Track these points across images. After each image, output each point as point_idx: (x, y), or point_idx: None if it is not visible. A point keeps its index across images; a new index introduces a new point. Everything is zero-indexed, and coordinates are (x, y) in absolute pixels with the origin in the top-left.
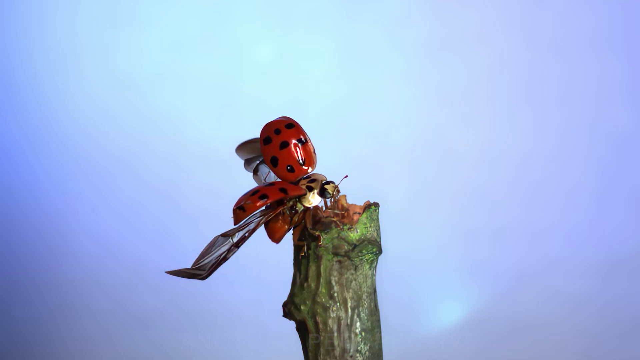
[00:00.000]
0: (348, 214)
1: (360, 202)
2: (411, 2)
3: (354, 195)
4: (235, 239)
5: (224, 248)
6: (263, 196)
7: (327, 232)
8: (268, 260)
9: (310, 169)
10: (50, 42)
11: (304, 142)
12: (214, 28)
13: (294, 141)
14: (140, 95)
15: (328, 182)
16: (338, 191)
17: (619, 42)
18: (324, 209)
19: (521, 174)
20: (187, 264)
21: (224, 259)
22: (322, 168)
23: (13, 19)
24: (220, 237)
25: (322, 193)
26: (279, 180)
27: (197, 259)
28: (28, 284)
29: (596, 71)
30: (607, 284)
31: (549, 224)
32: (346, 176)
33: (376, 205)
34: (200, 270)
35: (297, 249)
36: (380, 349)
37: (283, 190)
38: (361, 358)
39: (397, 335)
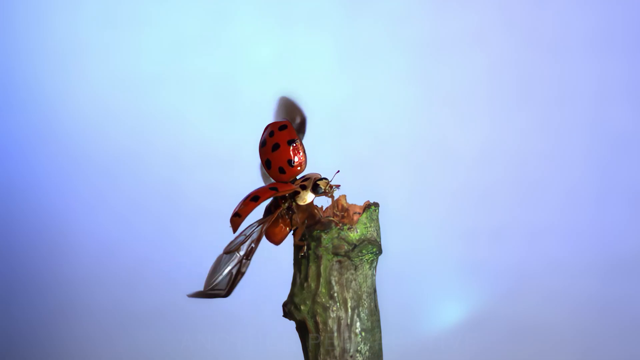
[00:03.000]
0: (348, 214)
1: (360, 202)
2: (411, 2)
3: (354, 195)
4: (242, 252)
5: (233, 263)
6: (255, 198)
7: (327, 232)
8: (268, 260)
9: (299, 169)
10: (50, 42)
11: (294, 143)
12: (214, 28)
13: (285, 143)
14: (140, 95)
15: (321, 179)
16: (331, 187)
17: (619, 42)
18: (324, 208)
19: (521, 174)
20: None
21: (239, 273)
22: (322, 168)
23: (13, 19)
24: (224, 255)
25: (315, 190)
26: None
27: (207, 279)
28: (28, 284)
29: (596, 71)
30: (607, 284)
31: (549, 224)
32: (338, 171)
33: (376, 205)
34: (218, 289)
35: (297, 248)
36: (380, 349)
37: (273, 189)
38: (361, 358)
39: (397, 335)
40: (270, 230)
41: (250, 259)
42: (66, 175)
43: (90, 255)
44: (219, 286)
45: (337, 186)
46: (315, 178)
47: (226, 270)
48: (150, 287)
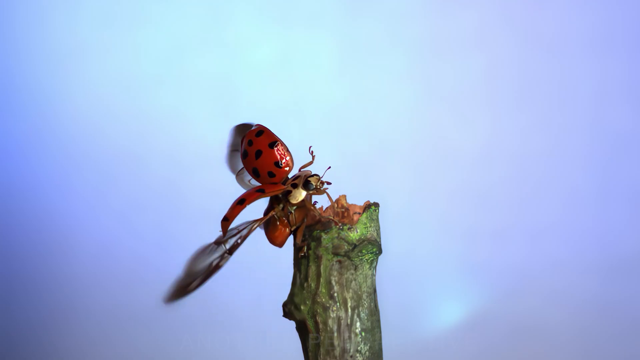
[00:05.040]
0: (348, 214)
1: (360, 202)
2: (411, 2)
3: (354, 195)
4: (227, 246)
5: (216, 255)
6: (241, 201)
7: (327, 232)
8: (268, 260)
9: (287, 169)
10: (50, 42)
11: (276, 145)
12: (213, 28)
13: (266, 147)
14: (140, 95)
15: (312, 176)
16: (322, 183)
17: (619, 42)
18: (324, 208)
19: (521, 174)
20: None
21: (216, 266)
22: (322, 167)
23: (13, 19)
24: (213, 245)
25: (306, 187)
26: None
27: (187, 264)
28: (28, 284)
29: (596, 71)
30: (608, 284)
31: (549, 224)
32: (329, 167)
33: (376, 205)
34: (190, 277)
35: (297, 248)
36: (380, 349)
37: (260, 191)
38: (361, 358)
39: (397, 335)
40: (271, 233)
41: (231, 254)
42: (66, 175)
43: (90, 255)
44: (194, 274)
45: (329, 182)
46: (306, 175)
47: (208, 261)
48: (150, 287)
